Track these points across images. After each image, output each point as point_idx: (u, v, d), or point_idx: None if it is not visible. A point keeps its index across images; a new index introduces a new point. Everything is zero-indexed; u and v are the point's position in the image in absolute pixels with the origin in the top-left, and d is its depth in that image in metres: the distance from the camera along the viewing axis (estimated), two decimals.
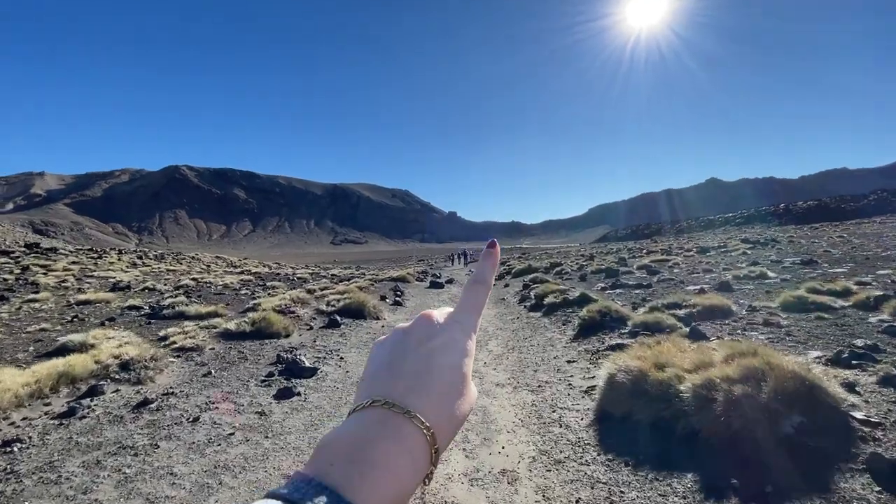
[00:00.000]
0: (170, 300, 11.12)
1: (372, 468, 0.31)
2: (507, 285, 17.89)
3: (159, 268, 25.70)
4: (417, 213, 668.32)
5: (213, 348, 6.83)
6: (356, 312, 9.81)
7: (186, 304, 10.10)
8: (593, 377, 5.07)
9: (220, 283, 16.64)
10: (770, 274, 11.44)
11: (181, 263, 33.43)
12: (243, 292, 14.27)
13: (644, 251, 29.73)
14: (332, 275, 23.30)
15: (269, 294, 13.71)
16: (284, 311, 9.81)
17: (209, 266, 33.53)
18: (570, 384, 5.12)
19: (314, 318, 9.46)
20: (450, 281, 21.45)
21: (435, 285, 18.73)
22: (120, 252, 35.98)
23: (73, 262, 22.66)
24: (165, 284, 15.82)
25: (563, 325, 8.45)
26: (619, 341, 6.34)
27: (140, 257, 32.19)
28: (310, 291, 14.40)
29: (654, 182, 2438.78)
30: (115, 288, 15.08)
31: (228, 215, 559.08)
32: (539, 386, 5.19)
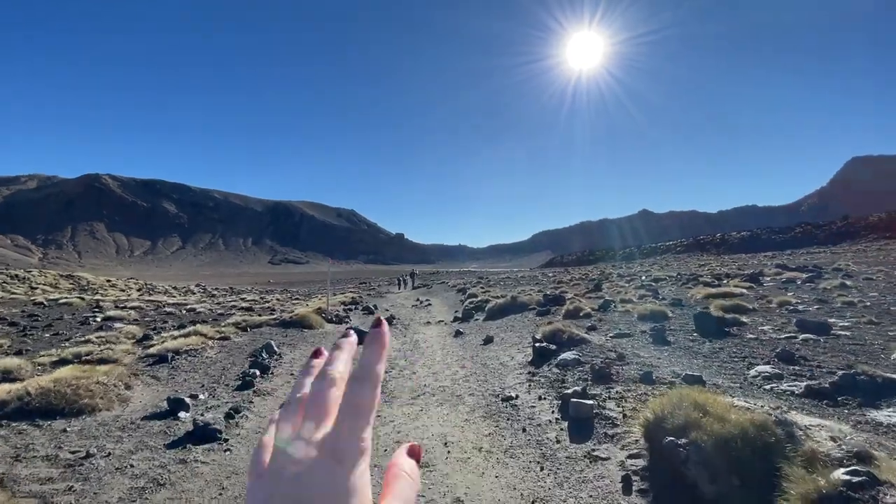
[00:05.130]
0: None
1: None
2: (490, 340, 9.84)
3: None
4: (363, 233, 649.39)
5: None
6: None
7: None
8: None
9: None
10: None
11: None
12: None
13: (643, 278, 23.21)
14: (188, 310, 14.21)
15: None
16: None
17: (35, 290, 22.92)
18: None
19: None
20: (389, 320, 13.22)
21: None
22: None
23: None
24: None
25: None
26: None
27: None
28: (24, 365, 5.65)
29: (593, 211, 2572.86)
30: None
31: (155, 230, 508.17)
32: None
